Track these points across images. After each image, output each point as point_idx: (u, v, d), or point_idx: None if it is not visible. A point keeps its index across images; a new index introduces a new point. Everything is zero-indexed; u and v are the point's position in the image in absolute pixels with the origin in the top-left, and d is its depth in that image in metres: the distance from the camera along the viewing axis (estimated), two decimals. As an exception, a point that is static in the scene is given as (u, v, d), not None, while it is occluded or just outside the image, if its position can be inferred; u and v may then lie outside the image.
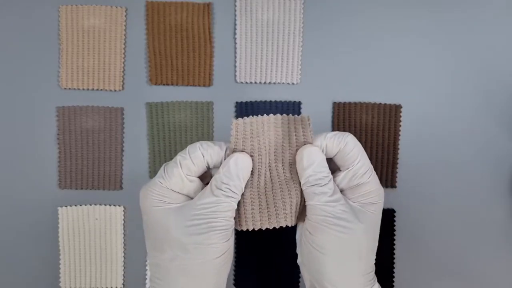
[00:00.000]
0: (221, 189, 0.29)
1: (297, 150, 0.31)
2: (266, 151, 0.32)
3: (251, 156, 0.31)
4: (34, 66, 0.44)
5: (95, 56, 0.43)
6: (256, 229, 0.32)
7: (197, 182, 0.31)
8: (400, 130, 0.44)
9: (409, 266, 0.44)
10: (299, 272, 0.44)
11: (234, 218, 0.31)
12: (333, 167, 0.32)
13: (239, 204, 0.31)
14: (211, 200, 0.29)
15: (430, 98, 0.44)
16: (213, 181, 0.30)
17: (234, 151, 0.31)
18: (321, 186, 0.30)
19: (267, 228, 0.32)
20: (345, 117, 0.43)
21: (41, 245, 0.44)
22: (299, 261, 0.34)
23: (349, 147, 0.31)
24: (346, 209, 0.30)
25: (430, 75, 0.44)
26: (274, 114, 0.31)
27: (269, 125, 0.31)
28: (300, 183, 0.31)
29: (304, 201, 0.31)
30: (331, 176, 0.31)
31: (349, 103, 0.43)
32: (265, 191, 0.32)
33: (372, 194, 0.31)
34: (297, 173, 0.32)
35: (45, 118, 0.44)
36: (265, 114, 0.31)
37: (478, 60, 0.44)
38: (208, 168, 0.32)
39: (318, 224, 0.30)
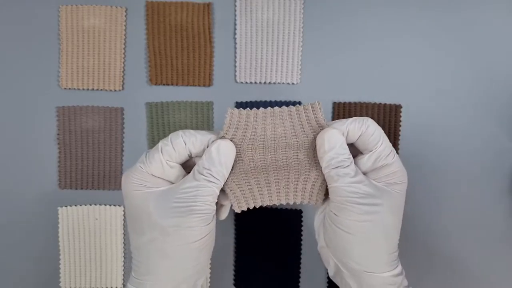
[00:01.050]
0: (202, 174, 0.30)
1: (313, 134, 0.32)
2: (262, 140, 0.32)
3: (239, 145, 0.31)
4: (34, 66, 0.44)
5: (95, 56, 0.43)
6: (257, 207, 0.32)
7: (178, 169, 0.32)
8: (400, 130, 0.44)
9: (409, 266, 0.44)
10: (299, 272, 0.44)
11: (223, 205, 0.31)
12: (353, 152, 0.33)
13: (234, 188, 0.31)
14: (192, 184, 0.30)
15: (430, 98, 0.44)
16: (195, 167, 0.31)
17: (222, 138, 0.31)
18: (344, 167, 0.30)
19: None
20: (345, 117, 0.43)
21: (41, 245, 0.44)
22: (320, 246, 0.34)
23: (371, 130, 0.31)
24: (371, 189, 0.30)
25: (430, 75, 0.44)
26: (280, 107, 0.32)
27: (272, 117, 0.31)
28: (316, 164, 0.32)
29: (325, 184, 0.32)
30: (352, 158, 0.31)
31: (349, 103, 0.43)
32: (264, 172, 0.32)
33: (397, 174, 0.32)
34: (313, 156, 0.32)
35: (45, 118, 0.44)
36: (268, 108, 0.32)
37: (478, 60, 0.44)
38: (190, 156, 0.32)
39: (342, 205, 0.30)
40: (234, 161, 0.31)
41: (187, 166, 0.33)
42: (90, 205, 0.44)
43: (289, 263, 0.44)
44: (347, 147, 0.31)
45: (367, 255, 0.31)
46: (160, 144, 0.31)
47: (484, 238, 0.44)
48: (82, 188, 0.44)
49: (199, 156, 0.32)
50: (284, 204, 0.32)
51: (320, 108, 0.31)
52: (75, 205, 0.44)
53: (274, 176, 0.32)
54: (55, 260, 0.44)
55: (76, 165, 0.44)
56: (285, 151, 0.32)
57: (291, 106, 0.32)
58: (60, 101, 0.44)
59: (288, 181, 0.32)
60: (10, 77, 0.44)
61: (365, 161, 0.32)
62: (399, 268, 0.32)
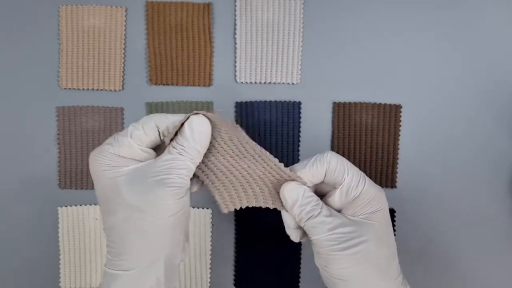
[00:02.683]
0: (175, 149, 0.29)
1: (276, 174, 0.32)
2: (242, 154, 0.32)
3: (219, 144, 0.31)
4: (34, 66, 0.44)
5: (95, 56, 0.43)
6: (243, 207, 0.32)
7: (149, 151, 0.31)
8: (400, 130, 0.44)
9: (409, 266, 0.44)
10: (299, 272, 0.44)
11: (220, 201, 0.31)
12: (326, 188, 0.33)
13: (219, 186, 0.31)
14: (166, 158, 0.29)
15: (430, 98, 0.44)
16: (170, 143, 0.30)
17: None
18: (315, 217, 0.30)
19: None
20: (345, 117, 0.43)
21: (41, 245, 0.44)
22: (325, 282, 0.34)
23: (333, 165, 0.31)
24: (350, 229, 0.30)
25: (430, 75, 0.44)
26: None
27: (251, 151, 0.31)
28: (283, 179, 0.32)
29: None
30: (321, 202, 0.31)
31: (349, 103, 0.43)
32: (242, 174, 0.32)
33: (372, 203, 0.31)
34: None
35: (45, 118, 0.44)
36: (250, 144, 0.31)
37: (478, 60, 0.44)
38: (161, 139, 0.31)
39: (329, 255, 0.30)
40: (212, 151, 0.31)
41: (158, 149, 0.32)
42: (90, 205, 0.44)
43: (289, 263, 0.44)
44: (311, 194, 0.31)
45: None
46: (130, 128, 0.30)
47: (484, 238, 0.44)
48: (82, 188, 0.44)
49: (168, 135, 0.31)
50: (263, 207, 0.33)
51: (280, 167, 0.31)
52: (75, 205, 0.44)
53: (252, 179, 0.32)
54: (55, 260, 0.44)
55: (76, 165, 0.44)
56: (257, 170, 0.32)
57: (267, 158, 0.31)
58: (60, 101, 0.44)
59: (264, 186, 0.32)
60: (10, 77, 0.44)
61: (337, 196, 0.31)
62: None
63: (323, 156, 0.31)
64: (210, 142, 0.31)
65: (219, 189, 0.32)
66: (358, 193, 0.31)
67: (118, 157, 0.30)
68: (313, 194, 0.31)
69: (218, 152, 0.31)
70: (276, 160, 0.31)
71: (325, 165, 0.31)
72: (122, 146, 0.30)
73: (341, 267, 0.30)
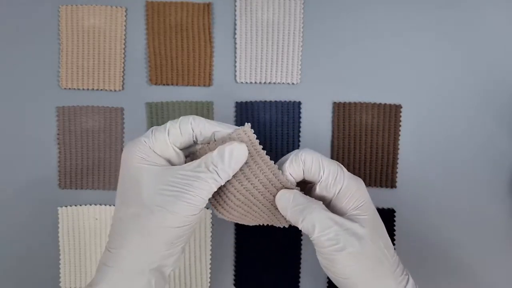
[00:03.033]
0: (208, 169, 0.30)
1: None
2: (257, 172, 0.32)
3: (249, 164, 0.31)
4: (34, 66, 0.44)
5: (95, 56, 0.43)
6: (230, 221, 0.33)
7: (179, 152, 0.32)
8: (400, 130, 0.44)
9: (409, 266, 0.44)
10: (299, 272, 0.44)
11: (215, 204, 0.32)
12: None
13: (226, 193, 0.32)
14: (192, 173, 0.30)
15: (430, 98, 0.44)
16: (203, 159, 0.30)
17: (231, 138, 0.31)
18: (310, 213, 0.30)
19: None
20: (345, 117, 0.43)
21: (41, 245, 0.44)
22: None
23: (308, 164, 0.31)
24: (345, 226, 0.30)
25: (430, 75, 0.44)
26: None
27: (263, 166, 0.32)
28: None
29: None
30: (313, 201, 0.31)
31: (349, 103, 0.43)
32: (254, 197, 0.32)
33: (355, 196, 0.31)
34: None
35: (45, 118, 0.44)
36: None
37: (478, 60, 0.44)
38: (195, 142, 0.32)
39: (330, 255, 0.30)
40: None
41: (187, 151, 0.33)
42: (90, 205, 0.44)
43: (289, 263, 0.44)
44: (301, 197, 0.31)
45: (374, 283, 0.31)
46: (168, 125, 0.31)
47: (484, 238, 0.44)
48: (82, 188, 0.44)
49: (204, 143, 0.32)
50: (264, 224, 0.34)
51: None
52: (75, 205, 0.44)
53: (254, 201, 0.33)
54: (55, 260, 0.44)
55: (76, 165, 0.44)
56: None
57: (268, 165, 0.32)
58: (60, 101, 0.44)
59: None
60: (10, 77, 0.44)
61: (318, 191, 0.32)
62: (411, 283, 0.32)
63: (297, 155, 0.31)
64: None
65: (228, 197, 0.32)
66: (338, 189, 0.31)
67: (151, 152, 0.31)
68: (304, 196, 0.31)
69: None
70: (273, 165, 0.31)
71: (301, 165, 0.31)
72: (157, 140, 0.31)
73: (342, 265, 0.30)
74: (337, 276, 0.31)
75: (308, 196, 0.32)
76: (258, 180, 0.31)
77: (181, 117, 0.31)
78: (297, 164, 0.31)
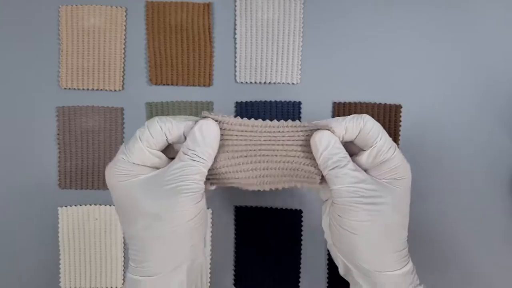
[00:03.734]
0: (187, 155, 0.30)
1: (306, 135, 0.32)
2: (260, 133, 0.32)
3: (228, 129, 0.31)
4: (34, 66, 0.44)
5: (95, 56, 0.43)
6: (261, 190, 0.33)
7: (159, 155, 0.32)
8: (400, 130, 0.44)
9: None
10: (299, 272, 0.44)
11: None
12: (354, 149, 0.33)
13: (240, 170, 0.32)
14: (178, 165, 0.30)
15: (430, 98, 0.44)
16: (181, 149, 0.31)
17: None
18: (341, 167, 0.30)
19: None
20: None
21: (41, 245, 0.44)
22: (329, 244, 0.35)
23: (369, 126, 0.31)
24: (372, 187, 0.30)
25: (430, 75, 0.44)
26: (273, 119, 0.32)
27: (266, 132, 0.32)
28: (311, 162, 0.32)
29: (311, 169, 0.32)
30: (349, 157, 0.31)
31: (349, 103, 0.43)
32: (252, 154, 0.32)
33: (398, 169, 0.31)
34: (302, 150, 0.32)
35: (45, 118, 0.44)
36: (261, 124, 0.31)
37: (479, 60, 0.44)
38: (167, 141, 0.32)
39: (345, 206, 0.30)
40: (222, 142, 0.31)
41: (168, 152, 0.33)
42: (90, 205, 0.44)
43: (289, 263, 0.44)
44: (341, 146, 0.31)
45: (374, 254, 0.31)
46: (137, 132, 0.31)
47: (484, 238, 0.44)
48: (82, 188, 0.44)
49: (177, 143, 0.32)
50: (267, 190, 0.33)
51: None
52: (75, 205, 0.44)
53: (260, 158, 0.32)
54: (55, 260, 0.44)
55: (76, 165, 0.44)
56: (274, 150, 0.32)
57: (282, 122, 0.32)
58: (60, 101, 0.44)
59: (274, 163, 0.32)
60: (10, 77, 0.44)
61: (366, 157, 0.31)
62: (410, 265, 0.32)
63: (360, 116, 0.31)
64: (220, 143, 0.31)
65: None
66: (387, 158, 0.31)
67: (132, 165, 0.31)
68: (342, 147, 0.31)
69: (229, 151, 0.32)
70: (298, 122, 0.31)
71: (360, 124, 0.31)
72: (133, 151, 0.31)
73: (355, 219, 0.30)
74: (345, 228, 0.30)
75: (344, 148, 0.31)
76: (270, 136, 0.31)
77: (147, 121, 0.32)
78: (357, 122, 0.31)
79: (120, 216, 0.32)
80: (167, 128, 0.31)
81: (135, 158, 0.31)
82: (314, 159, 0.31)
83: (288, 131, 0.32)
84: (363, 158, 0.32)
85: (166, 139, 0.31)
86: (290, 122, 0.32)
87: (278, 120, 0.32)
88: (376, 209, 0.30)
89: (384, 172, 0.31)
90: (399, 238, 0.32)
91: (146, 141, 0.31)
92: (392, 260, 0.31)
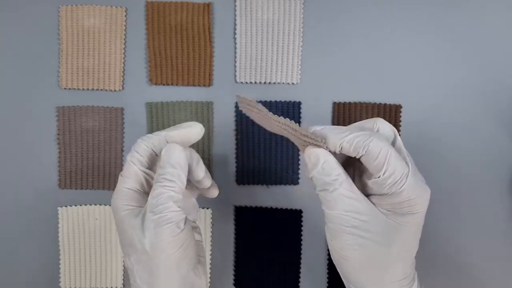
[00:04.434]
0: (158, 181, 0.30)
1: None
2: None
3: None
4: (34, 66, 0.44)
5: (95, 56, 0.43)
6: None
7: (153, 175, 0.32)
8: (400, 130, 0.44)
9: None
10: (299, 272, 0.44)
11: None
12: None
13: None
14: (153, 194, 0.30)
15: (430, 98, 0.44)
16: (155, 178, 0.31)
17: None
18: (331, 191, 0.27)
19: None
20: (345, 117, 0.43)
21: (41, 245, 0.44)
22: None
23: (372, 155, 0.27)
24: (368, 219, 0.27)
25: (430, 75, 0.44)
26: (278, 116, 0.29)
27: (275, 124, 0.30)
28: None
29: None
30: (342, 178, 0.27)
31: (349, 103, 0.43)
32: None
33: (406, 204, 0.27)
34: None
35: (45, 118, 0.44)
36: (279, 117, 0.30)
37: (479, 60, 0.44)
38: (156, 154, 0.32)
39: (336, 232, 0.28)
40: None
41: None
42: (90, 205, 0.44)
43: (289, 263, 0.44)
44: (335, 165, 0.27)
45: (367, 281, 0.29)
46: (128, 157, 0.32)
47: (484, 238, 0.44)
48: (82, 188, 0.44)
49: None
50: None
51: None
52: (75, 205, 0.44)
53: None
54: (55, 260, 0.44)
55: (76, 165, 0.44)
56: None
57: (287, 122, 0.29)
58: (60, 101, 0.44)
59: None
60: (10, 77, 0.44)
61: (371, 183, 0.28)
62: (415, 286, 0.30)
63: (365, 139, 0.27)
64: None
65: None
66: (393, 192, 0.27)
67: (134, 193, 0.31)
68: (335, 165, 0.27)
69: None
70: (298, 127, 0.28)
71: (360, 151, 0.27)
72: (129, 176, 0.31)
73: (344, 246, 0.28)
74: (336, 252, 0.29)
75: (338, 166, 0.28)
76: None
77: (132, 146, 0.32)
78: (357, 146, 0.27)
79: (121, 242, 0.32)
80: (150, 143, 0.32)
81: (132, 183, 0.31)
82: None
83: (290, 132, 0.31)
84: (369, 182, 0.28)
85: (155, 153, 0.32)
86: (292, 123, 0.28)
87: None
88: (368, 243, 0.27)
89: (389, 204, 0.28)
90: (397, 269, 0.29)
91: (137, 162, 0.31)
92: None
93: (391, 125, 0.29)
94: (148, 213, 0.29)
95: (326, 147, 0.28)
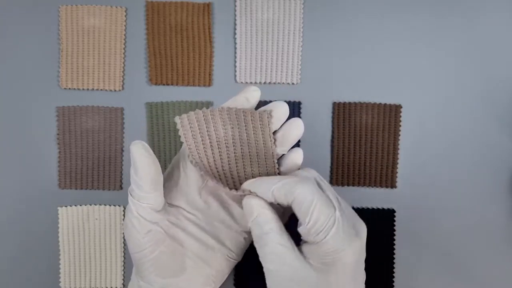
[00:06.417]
0: (130, 195, 0.30)
1: (263, 145, 0.31)
2: (220, 143, 0.31)
3: (204, 149, 0.31)
4: (34, 66, 0.44)
5: (95, 56, 0.43)
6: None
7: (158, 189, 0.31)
8: (400, 130, 0.44)
9: (409, 266, 0.44)
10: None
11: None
12: None
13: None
14: (128, 212, 0.30)
15: (430, 98, 0.44)
16: None
17: (189, 148, 0.30)
18: (262, 246, 0.28)
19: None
20: (345, 117, 0.43)
21: (41, 245, 0.44)
22: None
23: (297, 203, 0.27)
24: (298, 272, 0.27)
25: (430, 75, 0.44)
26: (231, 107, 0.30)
27: (221, 116, 0.30)
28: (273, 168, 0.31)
29: None
30: (275, 228, 0.28)
31: (349, 103, 0.43)
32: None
33: (331, 254, 0.27)
34: (266, 170, 0.31)
35: (45, 118, 0.44)
36: (222, 106, 0.31)
37: (479, 60, 0.44)
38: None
39: (275, 278, 0.28)
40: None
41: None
42: (90, 205, 0.44)
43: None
44: (267, 217, 0.28)
45: None
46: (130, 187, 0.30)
47: (484, 238, 0.44)
48: (82, 188, 0.44)
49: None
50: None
51: (268, 122, 0.30)
52: (75, 205, 0.44)
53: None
54: (55, 260, 0.44)
55: (76, 165, 0.44)
56: (242, 161, 0.32)
57: (243, 109, 0.30)
58: (60, 101, 0.44)
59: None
60: (10, 77, 0.44)
61: (300, 231, 0.28)
62: None
63: (291, 187, 0.27)
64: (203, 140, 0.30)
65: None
66: (317, 241, 0.27)
67: (146, 215, 0.31)
68: (268, 218, 0.28)
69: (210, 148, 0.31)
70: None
71: (288, 198, 0.27)
72: (139, 200, 0.30)
73: None
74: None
75: (271, 215, 0.28)
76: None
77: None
78: (286, 195, 0.27)
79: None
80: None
81: (143, 211, 0.31)
82: None
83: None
84: (298, 229, 0.28)
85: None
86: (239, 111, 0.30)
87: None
88: None
89: (317, 253, 0.27)
90: None
91: (137, 198, 0.30)
92: None
93: (311, 171, 0.30)
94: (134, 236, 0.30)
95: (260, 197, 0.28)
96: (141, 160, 0.28)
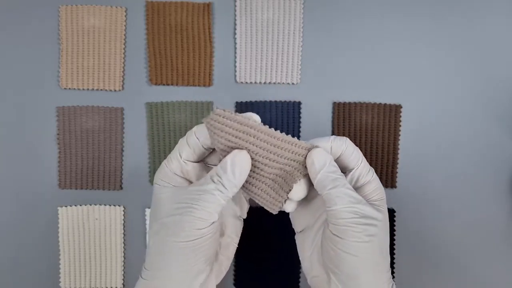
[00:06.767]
0: (212, 181, 0.30)
1: (294, 153, 0.31)
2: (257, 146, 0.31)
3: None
4: (34, 66, 0.44)
5: (95, 56, 0.43)
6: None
7: (196, 166, 0.33)
8: (400, 130, 0.44)
9: (409, 266, 0.44)
10: (299, 272, 0.44)
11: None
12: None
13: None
14: (200, 188, 0.30)
15: (430, 98, 0.44)
16: (209, 172, 0.31)
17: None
18: (341, 187, 0.30)
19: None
20: (345, 117, 0.43)
21: (41, 245, 0.44)
22: (312, 276, 0.35)
23: (351, 149, 0.32)
24: (368, 208, 0.30)
25: (430, 75, 0.44)
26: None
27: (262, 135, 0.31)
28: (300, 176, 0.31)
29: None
30: (343, 177, 0.31)
31: (349, 103, 0.43)
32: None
33: (377, 191, 0.32)
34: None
35: (45, 118, 0.44)
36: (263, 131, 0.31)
37: (479, 60, 0.44)
38: (206, 149, 0.33)
39: (346, 227, 0.30)
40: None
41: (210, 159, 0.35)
42: (90, 205, 0.44)
43: (289, 263, 0.44)
44: (336, 164, 0.31)
45: (374, 277, 0.31)
46: (179, 142, 0.33)
47: (484, 238, 0.44)
48: (82, 188, 0.44)
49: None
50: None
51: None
52: (75, 205, 0.44)
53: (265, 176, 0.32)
54: (55, 260, 0.44)
55: (76, 165, 0.44)
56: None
57: (284, 137, 0.31)
58: (60, 101, 0.44)
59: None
60: (10, 77, 0.44)
61: (348, 180, 0.32)
62: (393, 284, 0.33)
63: (342, 138, 0.32)
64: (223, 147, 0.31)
65: (259, 194, 0.32)
66: (367, 180, 0.32)
67: (171, 174, 0.32)
68: (336, 165, 0.31)
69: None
70: (295, 139, 0.31)
71: (343, 146, 0.32)
72: (172, 160, 0.32)
73: (356, 239, 0.30)
74: (345, 251, 0.30)
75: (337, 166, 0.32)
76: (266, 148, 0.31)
77: (188, 132, 0.33)
78: (341, 143, 0.32)
79: (150, 214, 0.34)
80: (202, 137, 0.32)
81: (174, 167, 0.32)
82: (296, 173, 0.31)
83: (284, 147, 0.31)
84: (347, 177, 0.32)
85: (206, 148, 0.32)
86: (289, 137, 0.31)
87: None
88: (373, 230, 0.30)
89: (366, 194, 0.32)
90: (388, 258, 0.32)
91: (185, 152, 0.32)
92: (386, 280, 0.31)
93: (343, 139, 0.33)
94: (186, 198, 0.30)
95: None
96: (247, 168, 0.31)
